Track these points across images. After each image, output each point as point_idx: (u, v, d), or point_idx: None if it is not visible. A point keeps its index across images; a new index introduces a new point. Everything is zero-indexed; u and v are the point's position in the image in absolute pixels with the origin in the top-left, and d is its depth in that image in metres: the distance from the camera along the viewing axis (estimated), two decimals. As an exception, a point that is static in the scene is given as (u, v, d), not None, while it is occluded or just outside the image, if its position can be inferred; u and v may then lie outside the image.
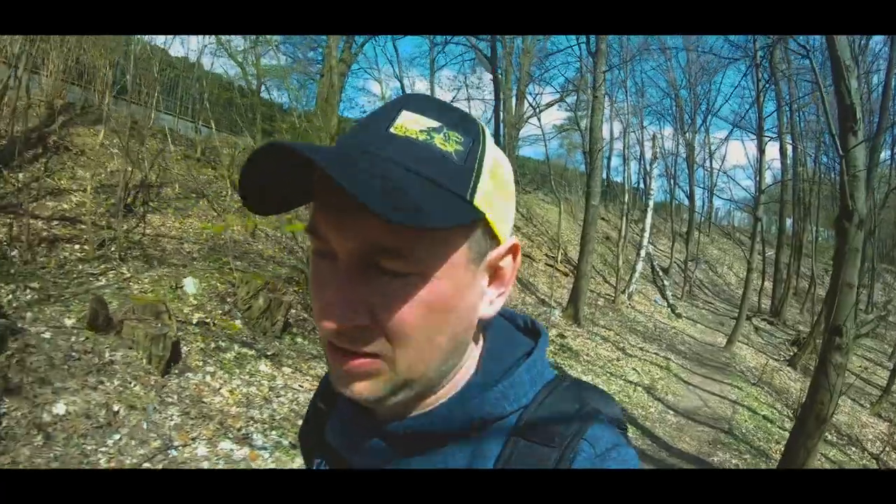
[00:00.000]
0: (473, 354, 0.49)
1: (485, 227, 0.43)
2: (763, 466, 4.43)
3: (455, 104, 0.50)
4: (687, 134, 19.54)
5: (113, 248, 4.92)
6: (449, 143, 0.42)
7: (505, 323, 0.53)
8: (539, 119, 12.42)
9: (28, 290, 3.85)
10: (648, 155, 17.47)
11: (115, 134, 6.44)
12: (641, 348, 8.22)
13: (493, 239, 0.45)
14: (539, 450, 0.44)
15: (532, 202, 15.48)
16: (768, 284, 16.58)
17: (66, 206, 5.16)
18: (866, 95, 12.18)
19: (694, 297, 15.85)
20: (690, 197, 19.46)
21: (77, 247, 4.73)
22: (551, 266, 11.55)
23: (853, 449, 6.28)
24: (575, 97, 15.49)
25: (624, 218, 13.96)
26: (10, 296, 3.70)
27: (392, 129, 0.41)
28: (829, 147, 13.18)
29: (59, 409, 2.91)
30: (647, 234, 12.91)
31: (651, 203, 13.24)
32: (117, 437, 2.88)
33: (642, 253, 12.70)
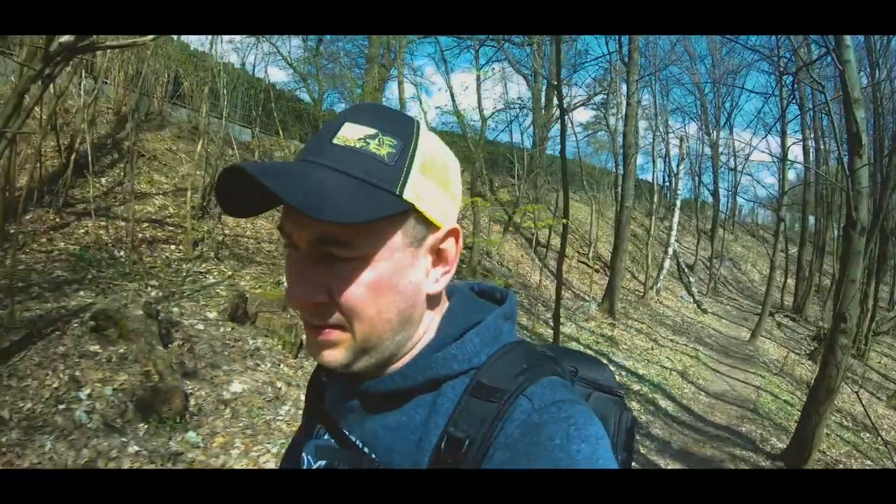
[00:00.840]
0: (433, 324, 0.56)
1: (417, 216, 0.50)
2: (784, 438, 5.23)
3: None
4: (712, 133, 20.11)
5: (206, 248, 5.47)
6: (382, 147, 0.48)
7: (469, 294, 0.60)
8: (571, 120, 13.05)
9: (149, 288, 4.40)
10: (674, 153, 18.12)
11: (179, 139, 6.90)
12: (672, 340, 9.03)
13: (430, 225, 0.52)
14: (484, 406, 0.48)
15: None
16: (791, 282, 17.12)
17: (150, 208, 5.67)
18: (888, 95, 12.67)
19: (718, 293, 16.53)
20: (715, 196, 20.06)
21: (173, 247, 5.24)
22: (583, 262, 12.37)
23: (867, 435, 6.98)
24: (603, 97, 16.05)
25: (651, 217, 14.65)
26: (136, 293, 4.17)
27: (334, 140, 0.49)
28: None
29: (236, 387, 3.49)
30: (674, 233, 13.64)
31: (678, 203, 13.98)
32: (286, 407, 3.46)
33: (669, 251, 13.44)
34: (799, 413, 6.39)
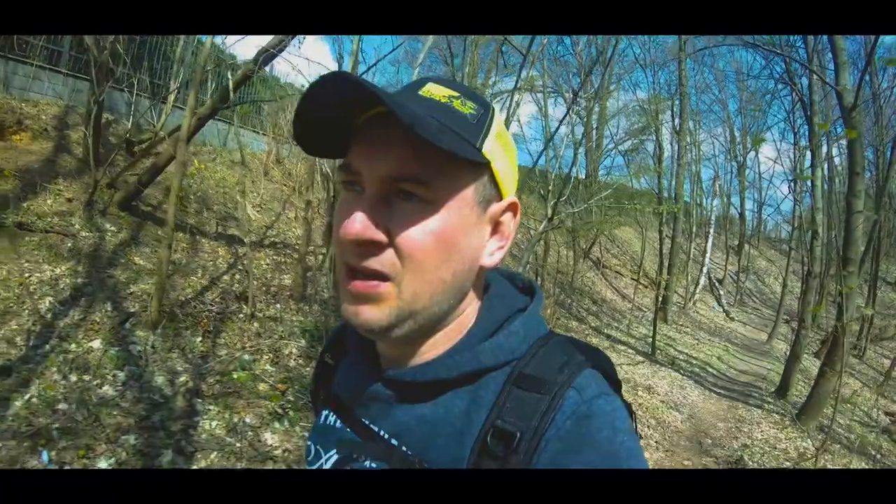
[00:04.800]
0: (472, 306, 0.57)
1: (490, 176, 0.53)
2: (783, 397, 9.22)
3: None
4: (738, 156, 24.06)
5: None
6: (465, 107, 0.52)
7: (504, 281, 0.62)
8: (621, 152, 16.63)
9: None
10: (704, 177, 21.81)
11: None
12: (708, 339, 13.07)
13: (497, 191, 0.55)
14: (530, 397, 0.49)
15: (610, 222, 20.10)
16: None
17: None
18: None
19: (744, 304, 20.55)
20: (741, 217, 24.02)
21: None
22: (636, 280, 16.39)
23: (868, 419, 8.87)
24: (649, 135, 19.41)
25: (690, 241, 18.68)
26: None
27: (420, 92, 0.53)
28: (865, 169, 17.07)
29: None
30: (707, 255, 17.66)
31: (712, 231, 17.98)
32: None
33: (704, 269, 17.45)
34: (797, 385, 10.38)
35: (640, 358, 8.89)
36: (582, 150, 17.28)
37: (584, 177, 17.59)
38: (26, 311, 3.94)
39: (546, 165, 11.34)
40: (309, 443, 0.62)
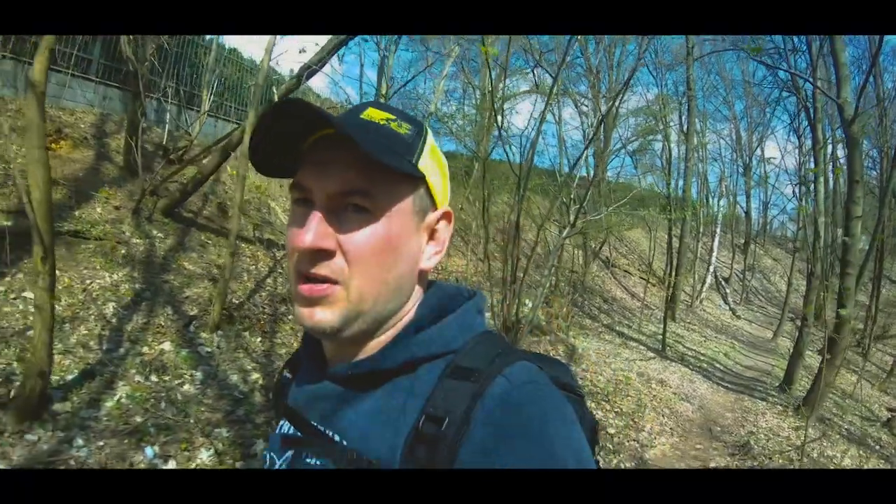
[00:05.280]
0: (414, 307, 0.62)
1: (426, 189, 0.60)
2: (786, 390, 9.70)
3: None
4: (744, 156, 24.50)
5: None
6: (401, 129, 0.59)
7: (443, 286, 0.66)
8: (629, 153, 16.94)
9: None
10: (710, 176, 22.15)
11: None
12: (715, 336, 13.55)
13: (432, 202, 0.61)
14: (462, 385, 0.52)
15: (621, 224, 20.50)
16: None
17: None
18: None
19: (750, 302, 21.00)
20: (747, 217, 24.44)
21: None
22: (644, 279, 16.85)
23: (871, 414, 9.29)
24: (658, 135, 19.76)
25: (697, 240, 19.12)
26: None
27: (361, 116, 0.59)
28: (870, 168, 17.14)
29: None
30: (714, 255, 18.10)
31: (718, 230, 18.42)
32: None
33: (710, 269, 17.90)
34: (798, 380, 10.86)
35: (652, 354, 9.39)
36: (591, 149, 17.68)
37: (592, 177, 17.87)
38: (93, 317, 4.18)
39: (559, 169, 11.71)
40: (265, 452, 0.65)
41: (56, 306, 3.88)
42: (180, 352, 4.26)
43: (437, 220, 0.63)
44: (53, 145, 6.03)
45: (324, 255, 0.55)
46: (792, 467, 5.13)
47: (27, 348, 3.44)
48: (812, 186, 12.97)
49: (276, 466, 0.62)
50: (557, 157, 8.71)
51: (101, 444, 3.12)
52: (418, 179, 0.59)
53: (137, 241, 5.48)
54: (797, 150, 18.13)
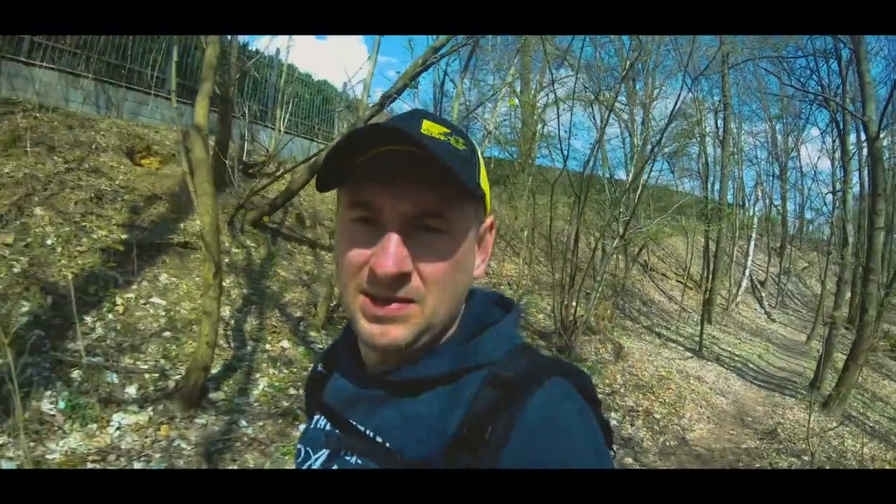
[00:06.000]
0: (457, 316, 0.63)
1: (481, 203, 0.62)
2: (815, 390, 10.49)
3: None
4: (780, 157, 24.78)
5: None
6: (459, 144, 0.59)
7: (484, 296, 0.68)
8: (654, 152, 17.54)
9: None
10: (746, 178, 22.51)
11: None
12: (750, 339, 14.31)
13: (484, 214, 0.64)
14: (503, 397, 0.55)
15: (661, 232, 21.18)
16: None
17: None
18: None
19: (785, 305, 21.47)
20: (783, 220, 24.68)
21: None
22: (681, 282, 17.62)
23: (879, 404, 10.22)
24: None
25: (733, 244, 19.73)
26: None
27: (422, 130, 0.57)
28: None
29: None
30: (750, 259, 18.70)
31: (754, 235, 18.99)
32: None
33: (746, 272, 18.52)
34: (830, 381, 11.59)
35: (689, 354, 10.30)
36: (628, 151, 18.29)
37: (631, 181, 18.52)
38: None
39: (600, 173, 12.40)
40: (299, 446, 0.67)
41: (182, 311, 4.46)
42: (298, 347, 4.79)
43: (487, 230, 0.66)
44: (144, 161, 6.35)
45: (403, 277, 0.55)
46: (797, 468, 5.37)
47: (168, 347, 4.01)
48: (841, 194, 13.63)
49: (312, 461, 0.64)
50: (591, 160, 8.75)
51: (261, 423, 3.61)
52: (479, 197, 0.60)
53: (236, 250, 5.91)
54: (830, 162, 18.58)
